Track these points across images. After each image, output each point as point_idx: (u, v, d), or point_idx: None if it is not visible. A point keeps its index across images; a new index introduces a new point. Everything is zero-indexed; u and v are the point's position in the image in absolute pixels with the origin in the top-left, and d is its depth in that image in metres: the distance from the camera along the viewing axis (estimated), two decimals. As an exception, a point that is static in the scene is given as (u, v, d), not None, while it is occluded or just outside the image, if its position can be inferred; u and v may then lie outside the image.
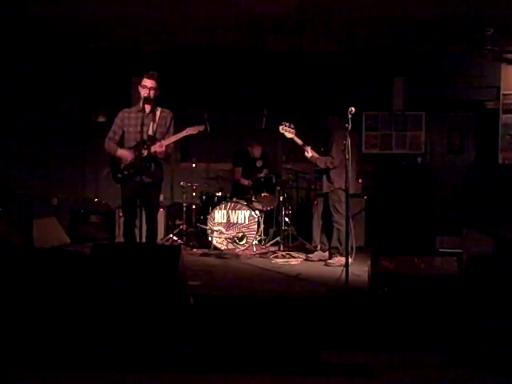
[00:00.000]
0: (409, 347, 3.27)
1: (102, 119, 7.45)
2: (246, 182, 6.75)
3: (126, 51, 7.52)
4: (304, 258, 5.84)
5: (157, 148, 4.62)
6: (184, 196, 6.77)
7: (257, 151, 6.95)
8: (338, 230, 5.45)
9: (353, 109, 4.46)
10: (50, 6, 5.79)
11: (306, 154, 5.53)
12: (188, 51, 7.50)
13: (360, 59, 7.44)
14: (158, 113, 4.74)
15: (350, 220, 4.82)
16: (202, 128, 4.85)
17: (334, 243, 5.63)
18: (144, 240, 4.72)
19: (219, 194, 6.69)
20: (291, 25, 6.33)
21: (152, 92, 4.64)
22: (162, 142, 4.65)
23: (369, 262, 3.78)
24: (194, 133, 4.81)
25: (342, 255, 5.41)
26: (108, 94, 7.50)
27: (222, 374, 2.97)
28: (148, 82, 4.64)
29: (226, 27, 6.48)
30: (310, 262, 5.67)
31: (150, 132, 4.68)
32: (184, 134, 4.76)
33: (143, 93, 4.63)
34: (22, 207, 5.68)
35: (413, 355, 3.20)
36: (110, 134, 4.79)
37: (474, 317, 3.32)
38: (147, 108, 4.64)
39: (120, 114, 4.80)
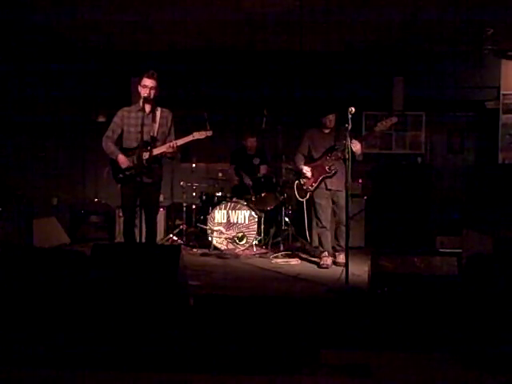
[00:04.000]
0: (409, 347, 3.27)
1: (102, 119, 7.45)
2: (247, 181, 6.66)
3: (125, 51, 7.52)
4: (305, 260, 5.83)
5: (167, 148, 4.63)
6: (184, 196, 6.77)
7: (251, 143, 6.87)
8: (344, 227, 5.30)
9: (353, 109, 4.46)
10: (51, 5, 5.79)
11: (354, 146, 4.99)
12: (188, 51, 7.50)
13: (360, 59, 7.44)
14: (158, 113, 4.72)
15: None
16: (209, 133, 4.80)
17: (334, 242, 5.54)
18: (144, 240, 4.72)
19: (219, 194, 6.69)
20: (291, 25, 6.33)
21: (152, 91, 4.63)
22: (174, 142, 4.65)
23: (369, 262, 3.78)
24: (201, 138, 4.78)
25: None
26: (108, 94, 7.50)
27: (222, 374, 2.97)
28: (148, 82, 4.62)
29: (226, 27, 6.48)
30: (310, 263, 5.66)
31: (153, 133, 4.66)
32: (190, 138, 4.74)
33: (143, 92, 4.61)
34: (21, 207, 5.68)
35: (413, 355, 3.20)
36: (109, 132, 4.77)
37: (473, 317, 3.32)
38: (147, 108, 4.63)
39: (119, 113, 4.78)
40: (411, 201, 7.17)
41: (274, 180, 6.57)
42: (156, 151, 4.62)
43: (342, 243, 5.38)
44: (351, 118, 4.50)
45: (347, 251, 4.57)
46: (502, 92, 7.36)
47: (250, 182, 6.59)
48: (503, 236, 4.38)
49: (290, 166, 6.60)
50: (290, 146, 6.57)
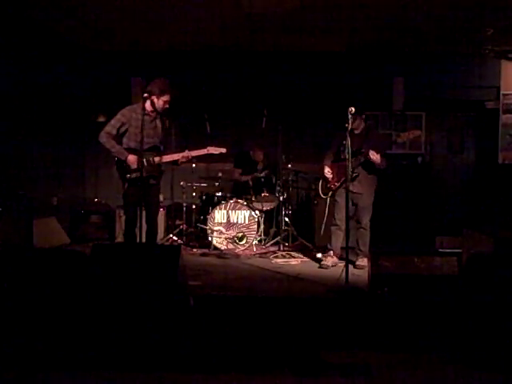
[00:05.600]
0: (409, 347, 3.27)
1: (101, 119, 7.45)
2: (245, 178, 6.73)
3: (125, 51, 7.52)
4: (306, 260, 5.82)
5: (181, 157, 4.75)
6: (184, 196, 6.76)
7: (258, 156, 7.02)
8: (366, 231, 5.39)
9: (353, 109, 4.46)
10: (51, 6, 5.79)
11: (372, 155, 5.13)
12: (188, 51, 7.51)
13: (360, 59, 7.44)
14: (160, 119, 4.80)
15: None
16: (223, 150, 4.96)
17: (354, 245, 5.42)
18: (144, 240, 4.73)
19: (219, 193, 6.69)
20: (291, 24, 6.33)
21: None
22: (189, 152, 4.77)
23: (369, 262, 3.78)
24: (215, 153, 4.92)
25: (365, 256, 5.29)
26: (108, 94, 7.50)
27: (222, 374, 2.97)
28: (169, 97, 4.70)
29: (226, 27, 6.48)
30: (310, 263, 5.65)
31: (159, 138, 4.77)
32: (205, 151, 4.87)
33: (164, 106, 4.69)
34: (21, 207, 5.67)
35: (413, 355, 3.20)
36: (112, 130, 4.74)
37: (473, 317, 3.32)
38: (153, 114, 4.71)
39: (126, 113, 4.75)
40: (411, 201, 7.17)
41: (274, 180, 6.57)
42: (168, 158, 4.74)
43: (363, 248, 5.39)
44: (351, 118, 4.51)
45: (347, 251, 4.55)
46: (501, 92, 7.37)
47: (250, 183, 6.63)
48: (503, 236, 4.37)
49: (289, 166, 6.62)
50: (290, 146, 6.57)
